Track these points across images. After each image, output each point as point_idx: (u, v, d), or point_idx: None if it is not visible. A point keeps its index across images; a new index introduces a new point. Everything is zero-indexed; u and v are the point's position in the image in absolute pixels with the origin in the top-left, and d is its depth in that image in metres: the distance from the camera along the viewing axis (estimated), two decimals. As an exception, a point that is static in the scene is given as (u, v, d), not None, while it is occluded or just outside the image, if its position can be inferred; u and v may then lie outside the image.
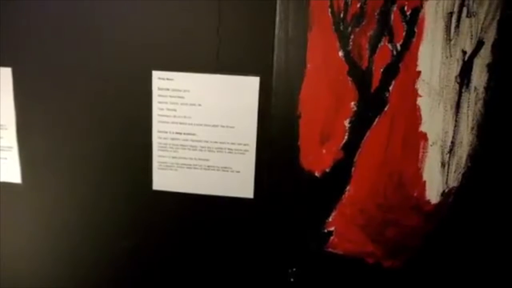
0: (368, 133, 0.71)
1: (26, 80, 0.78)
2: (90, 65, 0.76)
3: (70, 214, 0.84)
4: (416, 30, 0.67)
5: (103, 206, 0.83)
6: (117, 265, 0.86)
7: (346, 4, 0.67)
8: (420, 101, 0.69)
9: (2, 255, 0.88)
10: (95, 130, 0.79)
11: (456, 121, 0.69)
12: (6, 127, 0.80)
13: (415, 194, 0.71)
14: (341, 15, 0.67)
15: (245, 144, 0.77)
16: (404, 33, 0.67)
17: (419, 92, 0.69)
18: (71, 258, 0.87)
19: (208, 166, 0.79)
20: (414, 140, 0.70)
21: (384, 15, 0.66)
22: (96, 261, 0.86)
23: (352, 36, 0.68)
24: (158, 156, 0.79)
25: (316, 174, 0.73)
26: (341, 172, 0.72)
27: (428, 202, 0.72)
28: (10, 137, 0.81)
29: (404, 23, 0.67)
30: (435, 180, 0.71)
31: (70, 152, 0.81)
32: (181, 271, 0.84)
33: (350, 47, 0.68)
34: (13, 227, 0.87)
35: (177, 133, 0.78)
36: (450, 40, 0.66)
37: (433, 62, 0.67)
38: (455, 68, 0.67)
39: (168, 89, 0.76)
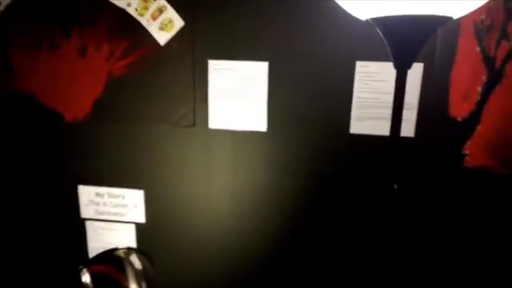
0: (492, 94, 1.21)
1: (276, 68, 1.34)
2: (317, 55, 1.30)
3: (300, 155, 1.40)
4: (522, 33, 1.16)
5: (318, 145, 1.38)
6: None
7: (482, 21, 1.17)
8: (524, 75, 1.19)
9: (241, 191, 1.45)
10: (318, 97, 1.34)
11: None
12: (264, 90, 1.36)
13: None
14: (480, 27, 1.18)
15: (409, 103, 1.30)
16: (515, 35, 1.17)
17: (523, 69, 1.18)
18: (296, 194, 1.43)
19: (386, 118, 1.32)
20: (521, 97, 1.20)
21: (504, 27, 1.16)
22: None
23: (485, 39, 1.18)
24: (354, 112, 1.33)
25: (458, 119, 1.24)
26: (474, 118, 1.23)
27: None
28: (263, 106, 1.37)
29: (515, 29, 1.16)
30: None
31: (299, 112, 1.36)
32: (351, 192, 1.39)
33: (484, 45, 1.18)
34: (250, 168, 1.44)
35: (368, 98, 1.32)
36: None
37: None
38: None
39: (365, 72, 1.30)
